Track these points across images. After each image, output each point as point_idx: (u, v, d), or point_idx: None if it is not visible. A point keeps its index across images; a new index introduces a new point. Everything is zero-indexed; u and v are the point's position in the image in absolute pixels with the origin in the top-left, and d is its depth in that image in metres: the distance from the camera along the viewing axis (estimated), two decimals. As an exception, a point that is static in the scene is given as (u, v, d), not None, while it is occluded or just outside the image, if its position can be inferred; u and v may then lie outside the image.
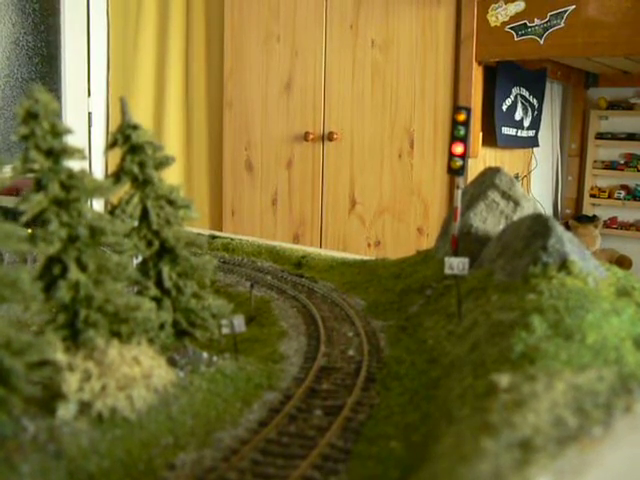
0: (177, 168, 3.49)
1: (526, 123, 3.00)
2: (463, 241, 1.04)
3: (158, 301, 0.79)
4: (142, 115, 3.45)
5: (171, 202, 0.79)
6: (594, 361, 0.64)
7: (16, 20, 3.44)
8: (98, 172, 3.61)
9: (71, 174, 0.70)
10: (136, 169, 0.78)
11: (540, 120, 3.13)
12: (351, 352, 0.89)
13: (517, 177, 3.08)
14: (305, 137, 3.04)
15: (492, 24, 2.53)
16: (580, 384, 0.58)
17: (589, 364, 0.63)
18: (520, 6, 2.47)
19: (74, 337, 0.69)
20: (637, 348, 0.69)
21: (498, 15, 2.52)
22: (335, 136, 2.96)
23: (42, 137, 0.68)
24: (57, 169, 0.69)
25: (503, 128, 2.81)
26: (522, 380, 0.59)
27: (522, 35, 2.47)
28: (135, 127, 0.78)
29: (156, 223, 0.78)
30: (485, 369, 0.66)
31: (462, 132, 0.93)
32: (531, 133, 3.07)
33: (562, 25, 2.38)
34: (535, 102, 3.06)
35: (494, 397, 0.57)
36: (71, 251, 0.69)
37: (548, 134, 3.46)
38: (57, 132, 0.69)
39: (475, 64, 2.60)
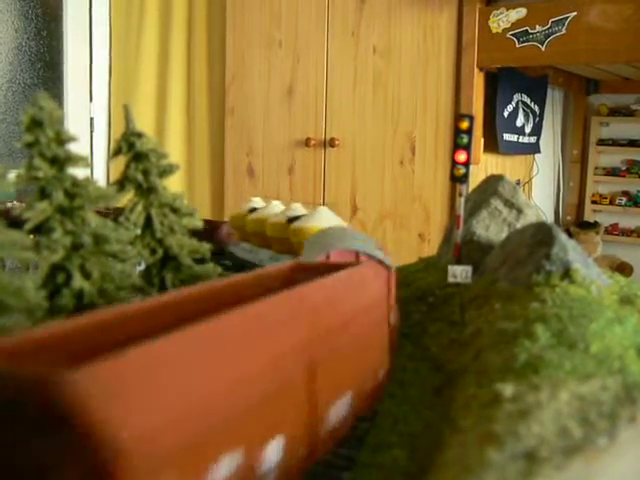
0: (179, 174, 3.48)
1: (527, 129, 3.00)
2: (466, 249, 1.04)
3: (161, 309, 0.79)
4: (144, 121, 3.46)
5: (175, 210, 0.80)
6: (598, 370, 0.63)
7: (19, 25, 3.45)
8: (100, 177, 3.61)
9: (75, 182, 0.70)
10: (140, 177, 0.78)
11: (541, 126, 3.14)
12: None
13: (518, 183, 3.08)
14: (306, 143, 3.04)
15: (493, 31, 2.54)
16: (584, 394, 0.58)
17: (593, 373, 0.62)
18: (521, 13, 2.47)
19: (78, 345, 0.69)
20: (641, 357, 0.69)
21: (499, 22, 2.52)
22: (336, 142, 2.96)
23: (47, 145, 0.68)
24: (61, 177, 0.69)
25: (504, 134, 2.81)
26: (526, 389, 0.59)
27: (523, 42, 2.47)
28: (139, 135, 0.79)
29: (160, 231, 0.78)
30: (489, 378, 0.66)
31: (465, 140, 0.92)
32: (532, 139, 3.07)
33: (563, 32, 2.38)
34: (536, 108, 3.06)
35: (498, 407, 0.57)
36: (75, 259, 0.69)
37: (549, 140, 3.46)
38: (62, 140, 0.69)
39: (476, 70, 2.60)
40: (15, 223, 0.69)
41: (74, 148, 0.72)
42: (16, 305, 0.60)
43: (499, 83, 2.74)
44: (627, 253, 3.40)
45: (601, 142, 3.51)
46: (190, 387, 0.31)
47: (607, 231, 3.47)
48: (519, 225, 1.08)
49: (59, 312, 0.68)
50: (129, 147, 0.78)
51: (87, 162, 0.71)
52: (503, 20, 2.51)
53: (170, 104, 3.53)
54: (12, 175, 0.69)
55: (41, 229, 0.69)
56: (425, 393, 0.77)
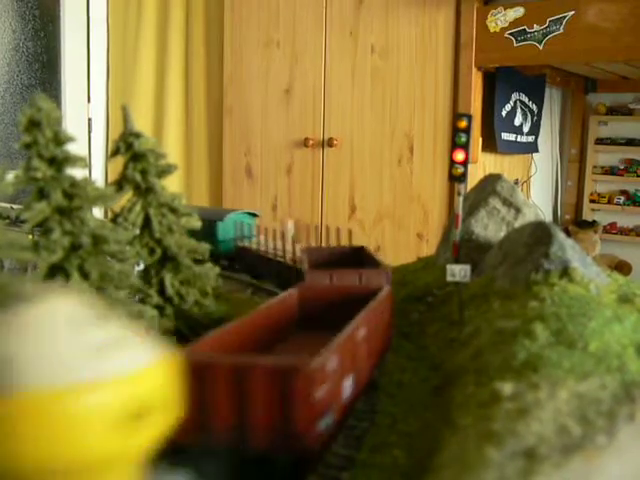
0: (177, 175, 3.48)
1: (526, 129, 3.00)
2: (464, 248, 1.04)
3: (160, 309, 0.79)
4: (142, 121, 3.46)
5: (173, 210, 0.80)
6: (597, 369, 0.63)
7: (16, 26, 3.45)
8: (98, 178, 3.61)
9: (74, 182, 0.70)
10: (138, 177, 0.78)
11: (539, 126, 3.14)
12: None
13: (517, 183, 3.08)
14: (305, 143, 3.04)
15: (491, 30, 2.54)
16: (583, 392, 0.58)
17: (592, 372, 0.63)
18: (519, 12, 2.47)
19: (77, 345, 0.69)
20: (639, 355, 0.69)
21: (497, 21, 2.52)
22: (335, 142, 2.96)
23: (45, 145, 0.68)
24: (60, 177, 0.69)
25: (503, 134, 2.81)
26: (525, 388, 0.59)
27: (521, 41, 2.47)
28: (137, 135, 0.79)
29: (158, 231, 0.78)
30: (488, 377, 0.66)
31: (463, 139, 0.92)
32: (530, 139, 3.07)
33: (561, 31, 2.38)
34: (534, 108, 3.06)
35: (497, 405, 0.57)
36: (74, 259, 0.69)
37: (548, 140, 3.46)
38: (60, 140, 0.69)
39: (475, 70, 2.60)
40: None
41: (72, 149, 0.72)
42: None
43: (497, 82, 2.74)
44: (625, 252, 3.40)
45: (599, 141, 3.51)
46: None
47: (605, 230, 3.47)
48: (517, 224, 1.08)
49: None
50: (127, 147, 0.78)
51: (85, 162, 0.71)
52: (501, 19, 2.51)
53: (168, 105, 3.53)
54: (10, 176, 0.69)
55: (40, 229, 0.69)
56: (424, 393, 0.77)
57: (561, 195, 3.67)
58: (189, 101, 3.57)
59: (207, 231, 1.40)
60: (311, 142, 3.03)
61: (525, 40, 2.46)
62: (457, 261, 0.91)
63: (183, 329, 0.81)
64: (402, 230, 2.84)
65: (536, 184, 3.36)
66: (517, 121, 2.92)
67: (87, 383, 0.33)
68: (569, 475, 0.45)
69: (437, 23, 2.69)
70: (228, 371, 0.52)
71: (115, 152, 0.79)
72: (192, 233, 1.35)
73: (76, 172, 0.72)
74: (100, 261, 0.71)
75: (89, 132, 3.69)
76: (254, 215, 1.59)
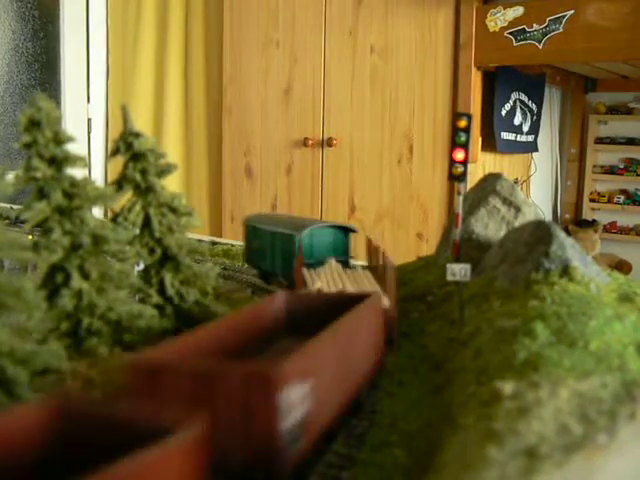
0: (176, 174, 3.48)
1: (525, 128, 3.00)
2: (464, 247, 1.03)
3: (160, 309, 0.79)
4: (141, 122, 3.46)
5: (173, 210, 0.79)
6: (597, 368, 0.63)
7: (16, 27, 3.45)
8: (98, 178, 3.61)
9: (74, 182, 0.70)
10: (138, 177, 0.78)
11: (539, 125, 3.14)
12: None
13: (516, 182, 3.08)
14: (304, 143, 3.04)
15: (491, 29, 2.54)
16: (584, 391, 0.58)
17: (592, 371, 0.62)
18: (519, 11, 2.47)
19: (77, 345, 0.69)
20: (640, 354, 0.69)
21: (497, 20, 2.52)
22: (334, 142, 2.96)
23: (44, 145, 0.68)
24: (60, 177, 0.69)
25: (502, 133, 2.81)
26: (526, 387, 0.59)
27: (521, 40, 2.47)
28: (137, 135, 0.78)
29: (158, 231, 0.78)
30: (488, 376, 0.66)
31: (463, 138, 0.92)
32: (530, 138, 3.07)
33: (561, 30, 2.38)
34: (534, 107, 3.06)
35: (498, 404, 0.57)
36: (74, 259, 0.69)
37: (547, 139, 3.46)
38: (59, 140, 0.69)
39: (474, 69, 2.60)
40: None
41: (72, 149, 0.72)
42: (15, 305, 0.60)
43: (497, 82, 2.74)
44: (625, 251, 3.40)
45: (599, 140, 3.51)
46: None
47: (605, 229, 3.47)
48: (517, 223, 1.08)
49: (58, 312, 0.68)
50: (127, 147, 0.78)
51: (85, 162, 0.71)
52: (500, 19, 2.51)
53: (167, 105, 3.53)
54: (10, 176, 0.69)
55: (40, 229, 0.69)
56: (425, 392, 0.77)
57: (561, 194, 3.67)
58: (189, 101, 3.57)
59: (284, 246, 1.11)
60: (310, 142, 3.03)
61: (525, 39, 2.46)
62: (457, 260, 0.91)
63: (183, 329, 0.81)
64: (402, 230, 2.83)
65: (536, 183, 3.36)
66: (517, 120, 2.92)
67: None
68: (570, 474, 0.45)
69: (436, 23, 2.69)
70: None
71: (115, 152, 0.79)
72: (268, 248, 1.10)
73: (76, 172, 0.72)
74: (100, 261, 0.71)
75: (89, 132, 3.69)
76: (349, 230, 1.20)
